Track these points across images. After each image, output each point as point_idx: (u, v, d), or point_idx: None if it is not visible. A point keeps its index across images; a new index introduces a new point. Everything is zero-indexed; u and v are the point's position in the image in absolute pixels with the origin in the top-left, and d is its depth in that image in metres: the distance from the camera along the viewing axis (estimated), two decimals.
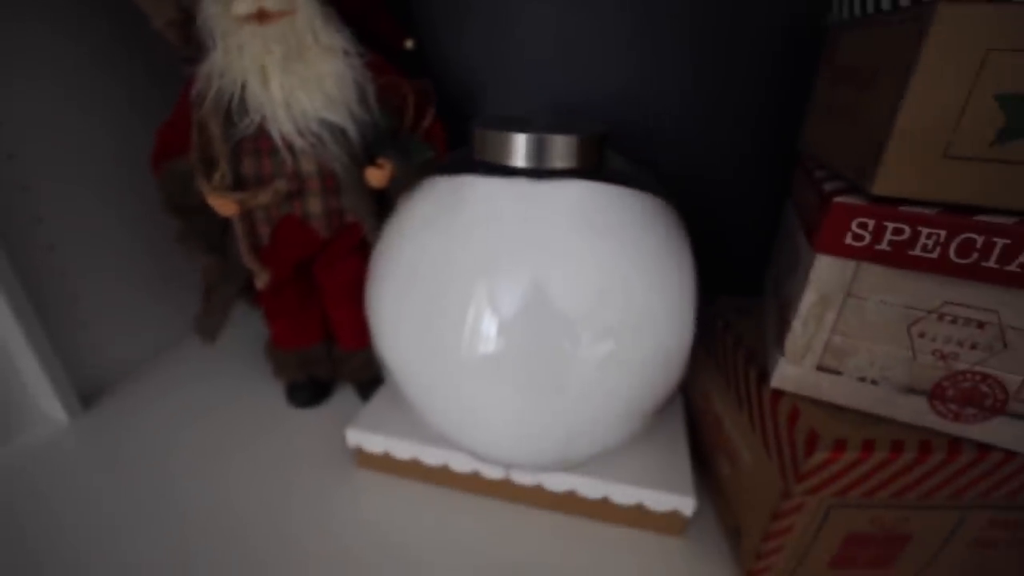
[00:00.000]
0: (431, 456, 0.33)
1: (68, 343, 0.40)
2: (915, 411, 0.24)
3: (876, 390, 0.24)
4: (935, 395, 0.23)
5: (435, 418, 0.28)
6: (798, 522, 0.25)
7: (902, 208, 0.20)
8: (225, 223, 0.34)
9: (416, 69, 0.40)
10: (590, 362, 0.24)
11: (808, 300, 0.24)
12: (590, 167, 0.26)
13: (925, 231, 0.20)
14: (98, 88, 0.41)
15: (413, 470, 0.35)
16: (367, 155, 0.33)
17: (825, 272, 0.23)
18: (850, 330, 0.23)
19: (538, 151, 0.25)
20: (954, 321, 0.21)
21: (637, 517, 0.31)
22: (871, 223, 0.21)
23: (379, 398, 0.38)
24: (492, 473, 0.33)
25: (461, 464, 0.33)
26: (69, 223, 0.40)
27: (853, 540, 0.26)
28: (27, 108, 0.37)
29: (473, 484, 0.34)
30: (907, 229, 0.20)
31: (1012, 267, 0.19)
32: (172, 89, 0.34)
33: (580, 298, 0.24)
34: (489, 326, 0.24)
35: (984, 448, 0.23)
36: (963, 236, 0.20)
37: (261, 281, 0.35)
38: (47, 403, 0.40)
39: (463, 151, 0.29)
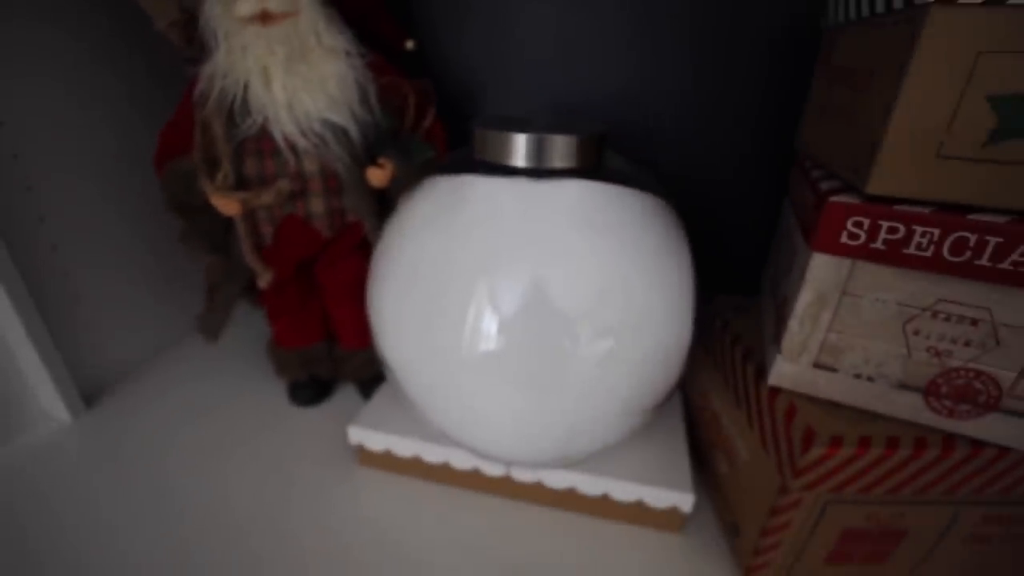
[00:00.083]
0: (432, 454, 0.34)
1: (70, 342, 0.40)
2: (910, 407, 0.24)
3: (872, 387, 0.24)
4: (930, 392, 0.23)
5: (436, 416, 0.28)
6: (795, 518, 0.26)
7: (897, 207, 0.21)
8: (228, 223, 0.35)
9: (416, 69, 0.40)
10: (590, 360, 0.24)
11: (805, 298, 0.24)
12: (590, 167, 0.26)
13: (919, 230, 0.21)
14: (99, 85, 0.41)
15: (414, 468, 0.35)
16: (368, 155, 0.34)
17: (821, 270, 0.23)
18: (846, 328, 0.24)
19: (538, 151, 0.25)
20: (948, 318, 0.22)
21: (636, 514, 0.32)
22: (866, 222, 0.21)
23: (380, 396, 0.38)
24: (492, 470, 0.33)
25: (462, 461, 0.33)
26: (72, 223, 0.40)
27: (849, 536, 0.26)
28: (29, 107, 0.37)
29: (474, 481, 0.34)
30: (901, 228, 0.21)
31: (1004, 265, 0.20)
32: (174, 89, 0.34)
33: (580, 297, 0.24)
34: (489, 325, 0.24)
35: (978, 444, 0.23)
36: (956, 235, 0.20)
37: (264, 280, 0.35)
38: (49, 402, 0.40)
39: (463, 151, 0.30)
